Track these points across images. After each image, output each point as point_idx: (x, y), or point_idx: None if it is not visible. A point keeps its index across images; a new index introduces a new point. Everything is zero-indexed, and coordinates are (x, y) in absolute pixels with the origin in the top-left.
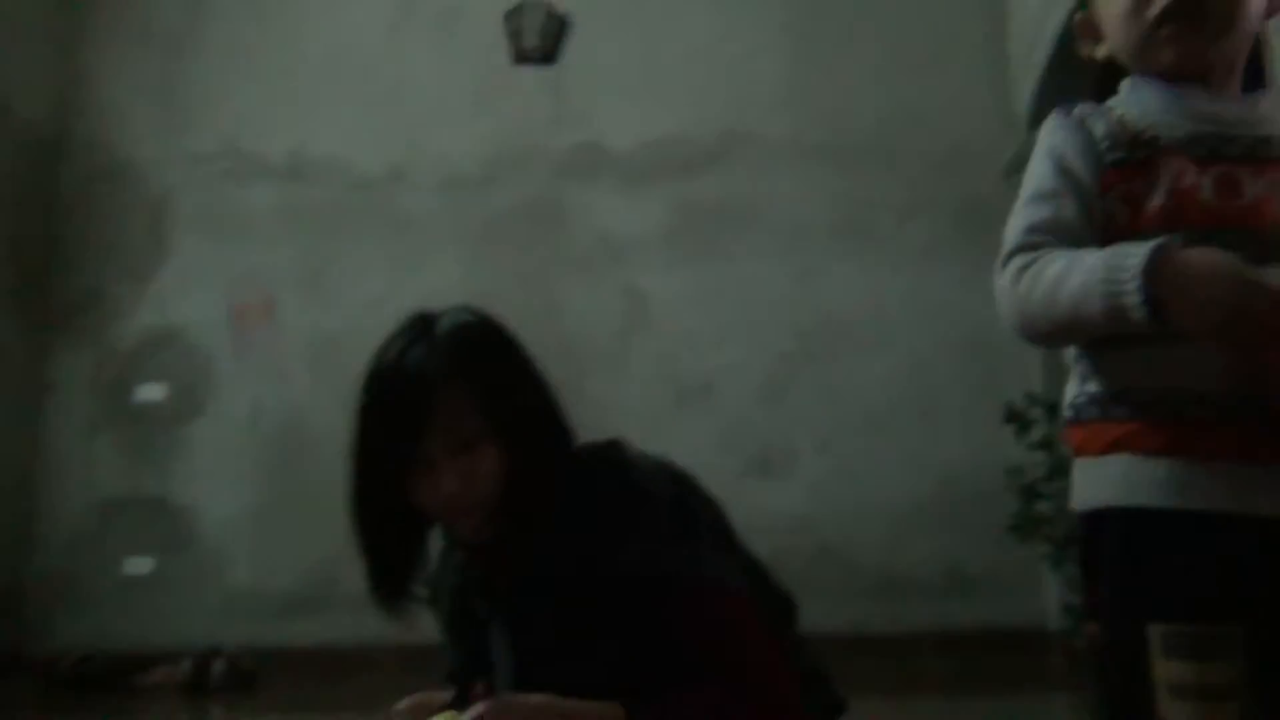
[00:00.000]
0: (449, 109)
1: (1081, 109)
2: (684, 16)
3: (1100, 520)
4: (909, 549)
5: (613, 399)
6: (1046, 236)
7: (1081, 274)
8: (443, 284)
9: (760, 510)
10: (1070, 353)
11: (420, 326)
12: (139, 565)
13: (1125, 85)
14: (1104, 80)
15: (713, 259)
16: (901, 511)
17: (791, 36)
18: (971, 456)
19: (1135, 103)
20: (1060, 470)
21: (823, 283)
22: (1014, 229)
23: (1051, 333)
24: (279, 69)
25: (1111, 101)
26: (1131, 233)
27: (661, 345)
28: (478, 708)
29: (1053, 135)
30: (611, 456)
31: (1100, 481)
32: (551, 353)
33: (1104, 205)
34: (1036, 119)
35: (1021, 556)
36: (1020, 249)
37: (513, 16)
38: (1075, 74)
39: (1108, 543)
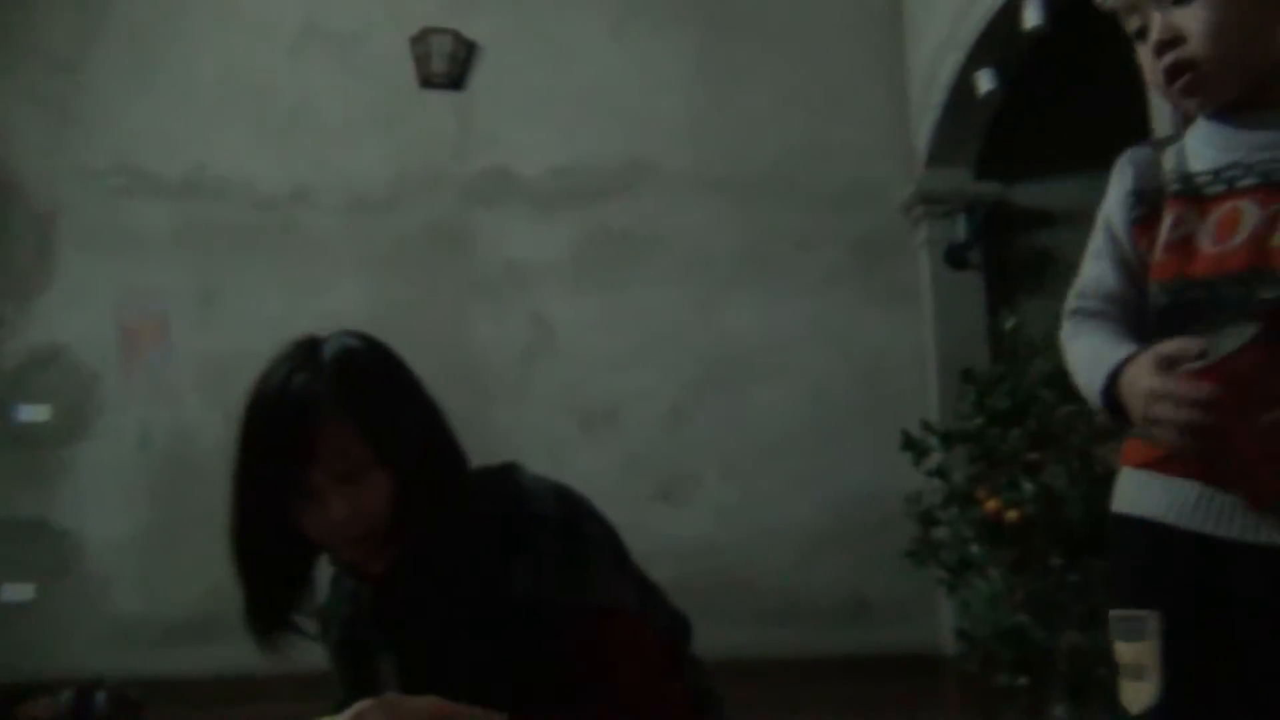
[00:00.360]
0: (353, 131)
1: (1133, 152)
2: (593, 46)
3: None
4: (811, 574)
5: (518, 425)
6: (1089, 301)
7: (1084, 370)
8: (343, 307)
9: (665, 536)
10: None
11: (304, 352)
12: (19, 591)
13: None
14: (997, 123)
15: (618, 287)
16: (803, 537)
17: (698, 70)
18: (871, 483)
19: (1191, 138)
20: (955, 497)
21: (725, 311)
22: (1074, 286)
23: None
24: (177, 87)
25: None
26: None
27: (567, 372)
28: (359, 705)
29: (1110, 184)
30: (503, 480)
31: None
32: (456, 379)
33: (1139, 256)
34: (934, 158)
35: (919, 582)
36: (1070, 314)
37: (419, 41)
38: (971, 115)
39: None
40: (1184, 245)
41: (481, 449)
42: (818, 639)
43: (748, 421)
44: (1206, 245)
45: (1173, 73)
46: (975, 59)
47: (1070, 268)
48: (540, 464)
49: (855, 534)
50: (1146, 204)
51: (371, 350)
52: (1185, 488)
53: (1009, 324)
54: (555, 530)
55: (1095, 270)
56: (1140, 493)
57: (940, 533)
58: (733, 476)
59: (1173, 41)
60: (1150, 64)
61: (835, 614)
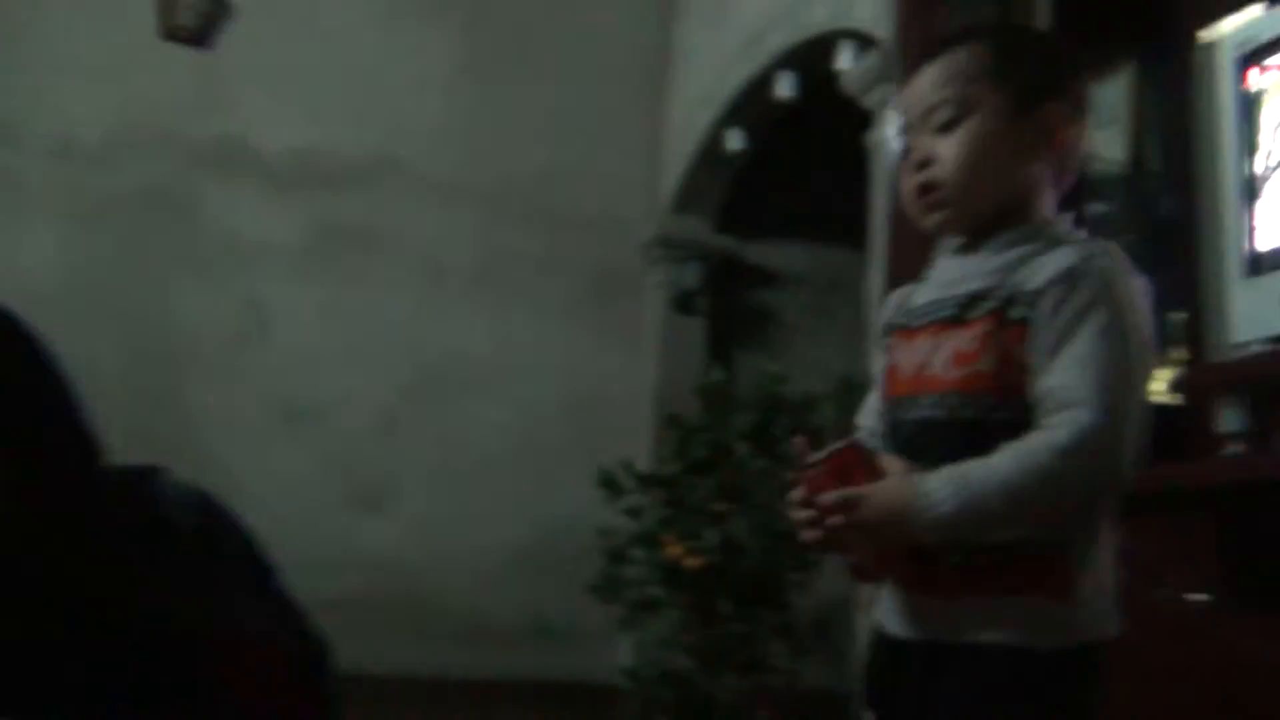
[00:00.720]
0: (78, 70)
1: (897, 290)
2: (358, 28)
3: None
4: (500, 596)
5: (217, 412)
6: (861, 418)
7: None
8: (34, 258)
9: (357, 545)
10: None
11: None
12: None
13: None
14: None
15: (345, 281)
16: (497, 558)
17: (463, 74)
18: (572, 512)
19: (929, 272)
20: (644, 539)
21: (453, 323)
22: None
23: None
24: None
25: None
26: None
27: (276, 361)
28: None
29: None
30: (139, 485)
31: None
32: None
33: None
34: (679, 204)
35: (605, 613)
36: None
37: None
38: (717, 169)
39: None
40: (892, 372)
41: (176, 432)
42: (500, 662)
43: (459, 437)
44: (901, 372)
45: (921, 190)
46: (728, 118)
47: (787, 327)
48: (237, 455)
49: (549, 560)
50: (887, 335)
51: None
52: (887, 593)
53: (716, 376)
54: (188, 544)
55: (871, 393)
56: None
57: (627, 570)
58: (435, 490)
59: (926, 162)
60: (906, 179)
61: (520, 638)
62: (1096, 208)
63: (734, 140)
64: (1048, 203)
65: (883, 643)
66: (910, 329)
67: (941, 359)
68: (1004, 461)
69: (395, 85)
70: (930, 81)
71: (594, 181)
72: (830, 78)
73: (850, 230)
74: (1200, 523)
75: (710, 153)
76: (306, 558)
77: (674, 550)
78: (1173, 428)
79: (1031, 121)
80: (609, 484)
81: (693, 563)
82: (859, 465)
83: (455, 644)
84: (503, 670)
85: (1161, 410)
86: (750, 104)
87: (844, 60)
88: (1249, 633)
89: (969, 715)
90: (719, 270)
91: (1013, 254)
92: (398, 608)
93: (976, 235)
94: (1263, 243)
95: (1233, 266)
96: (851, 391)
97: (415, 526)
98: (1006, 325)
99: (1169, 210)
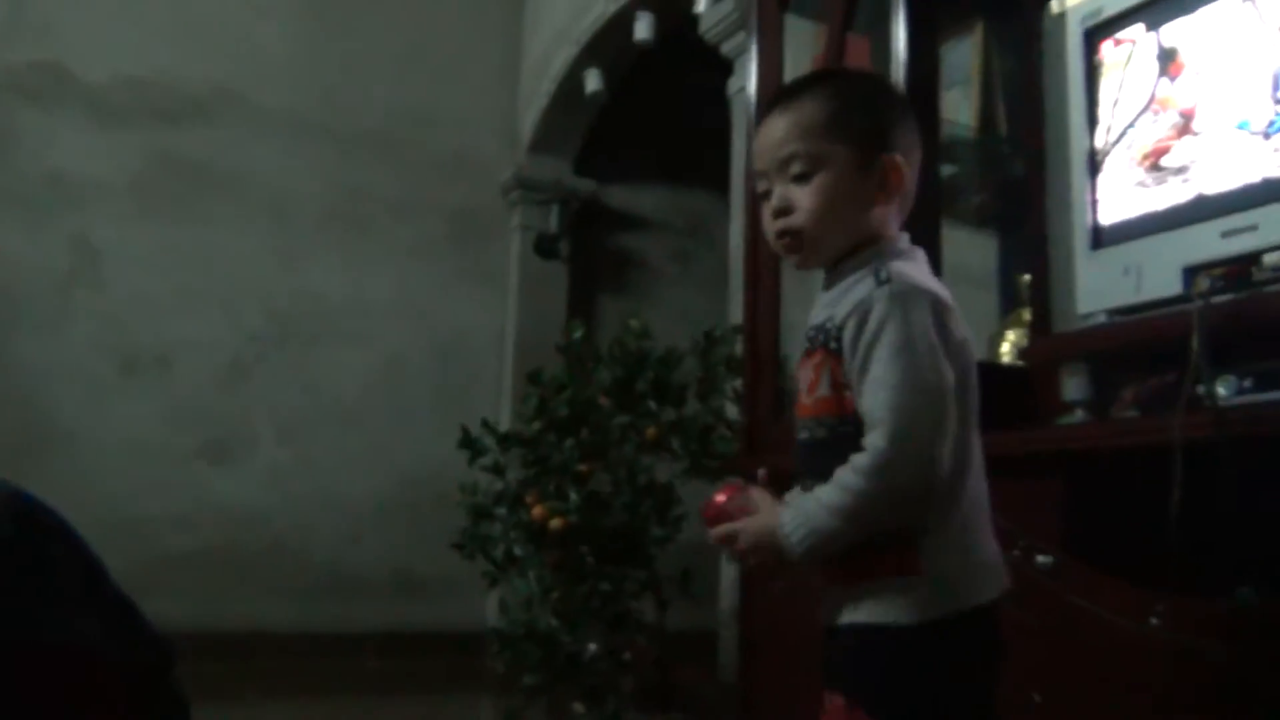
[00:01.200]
0: None
1: None
2: None
3: None
4: (363, 548)
5: (47, 361)
6: None
7: None
8: None
9: (211, 498)
10: None
11: None
12: None
13: None
14: (598, 122)
15: (185, 221)
16: (359, 510)
17: (307, 5)
18: (435, 462)
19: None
20: (509, 495)
21: (306, 266)
22: None
23: None
24: None
25: None
26: None
27: (111, 307)
28: None
29: None
30: None
31: None
32: None
33: None
34: (537, 145)
35: (470, 564)
36: None
37: None
38: (576, 110)
39: None
40: (797, 394)
41: (2, 388)
42: (365, 614)
43: (315, 384)
44: (797, 397)
45: (779, 234)
46: (586, 57)
47: (649, 272)
48: (72, 406)
49: (412, 511)
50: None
51: None
52: None
53: (577, 332)
54: (4, 552)
55: None
56: None
57: (490, 528)
58: (292, 441)
59: (785, 210)
60: (767, 221)
61: (385, 590)
62: (947, 169)
63: (593, 81)
64: (892, 234)
65: (823, 630)
66: (802, 357)
67: (803, 387)
68: (828, 490)
69: (236, 11)
70: (783, 133)
71: (450, 119)
72: (689, 21)
73: (711, 175)
74: (1045, 487)
75: (568, 93)
76: (159, 513)
77: (538, 512)
78: (1022, 391)
79: (874, 171)
80: (469, 444)
81: (556, 524)
82: (736, 503)
83: (319, 597)
84: (368, 623)
85: (1012, 372)
86: (608, 44)
87: (702, 3)
88: (1087, 591)
89: (849, 689)
90: (580, 214)
91: (842, 286)
92: (258, 561)
93: (833, 268)
94: (1105, 216)
95: (1079, 237)
96: (714, 346)
97: (273, 478)
98: (829, 356)
99: (1018, 173)
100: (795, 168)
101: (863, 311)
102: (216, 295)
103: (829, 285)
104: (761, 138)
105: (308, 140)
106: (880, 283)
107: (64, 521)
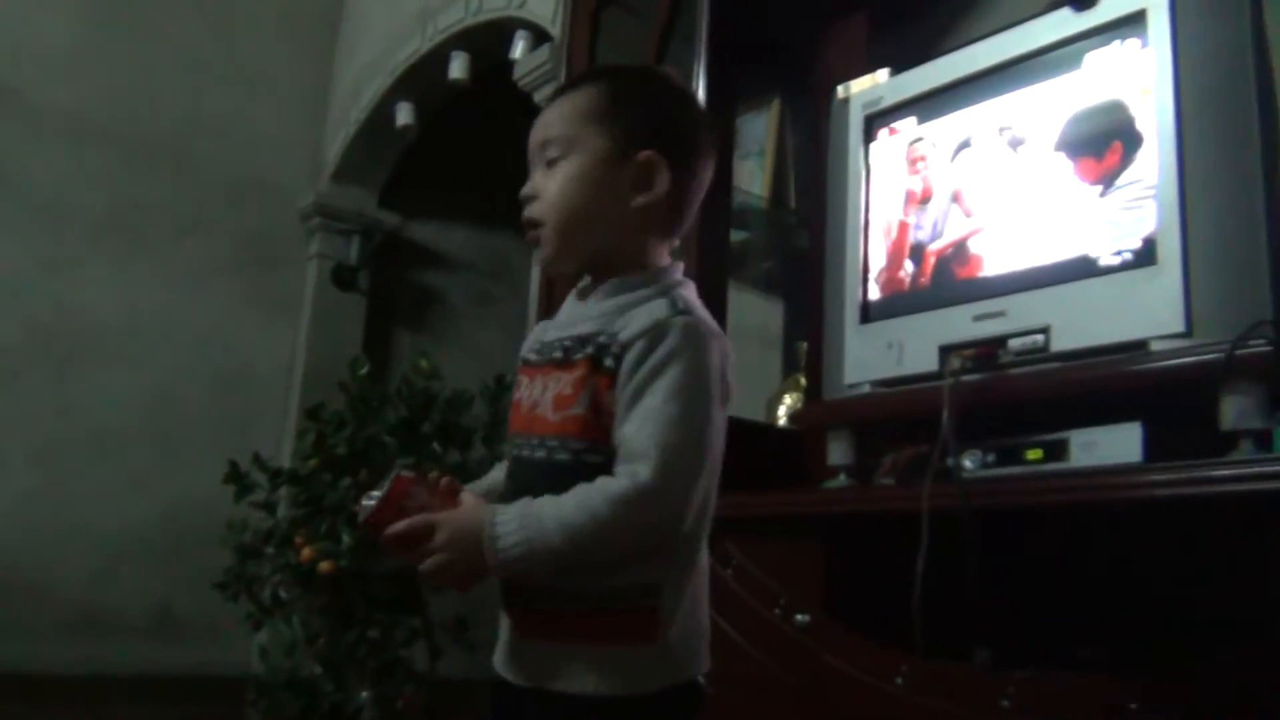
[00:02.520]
0: None
1: (538, 326)
2: None
3: None
4: (119, 584)
5: None
6: None
7: None
8: None
9: None
10: None
11: None
12: None
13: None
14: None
15: None
16: (117, 543)
17: (96, 1)
18: (204, 497)
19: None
20: (278, 535)
21: (74, 278)
22: None
23: None
24: None
25: None
26: None
27: None
28: None
29: None
30: None
31: None
32: None
33: None
34: (341, 173)
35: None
36: None
37: None
38: (385, 142)
39: None
40: (514, 408)
41: None
42: (118, 656)
43: (74, 406)
44: (520, 409)
45: (524, 225)
46: (399, 90)
47: (449, 311)
48: None
49: (176, 546)
50: (520, 369)
51: None
52: (501, 638)
53: (362, 368)
54: None
55: None
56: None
57: (257, 567)
58: (43, 466)
59: (530, 197)
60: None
61: (141, 630)
62: (738, 234)
63: (404, 114)
64: (658, 250)
65: (500, 687)
66: (533, 366)
67: (547, 401)
68: (568, 498)
69: (11, 2)
70: (546, 118)
71: (248, 138)
72: (504, 66)
73: (514, 218)
74: (808, 547)
75: (377, 124)
76: None
77: (307, 553)
78: (793, 454)
79: (629, 166)
80: (236, 479)
81: (326, 567)
82: (411, 495)
83: (65, 636)
84: (121, 665)
85: (785, 435)
86: (422, 80)
87: (518, 50)
88: (840, 650)
89: None
90: (382, 247)
91: (618, 300)
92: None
93: (595, 277)
94: (873, 292)
95: (849, 310)
96: (505, 390)
97: (18, 505)
98: (598, 372)
99: (803, 244)
100: (549, 152)
101: (654, 337)
102: None
103: (588, 295)
104: (534, 126)
105: (87, 144)
106: (677, 311)
107: None
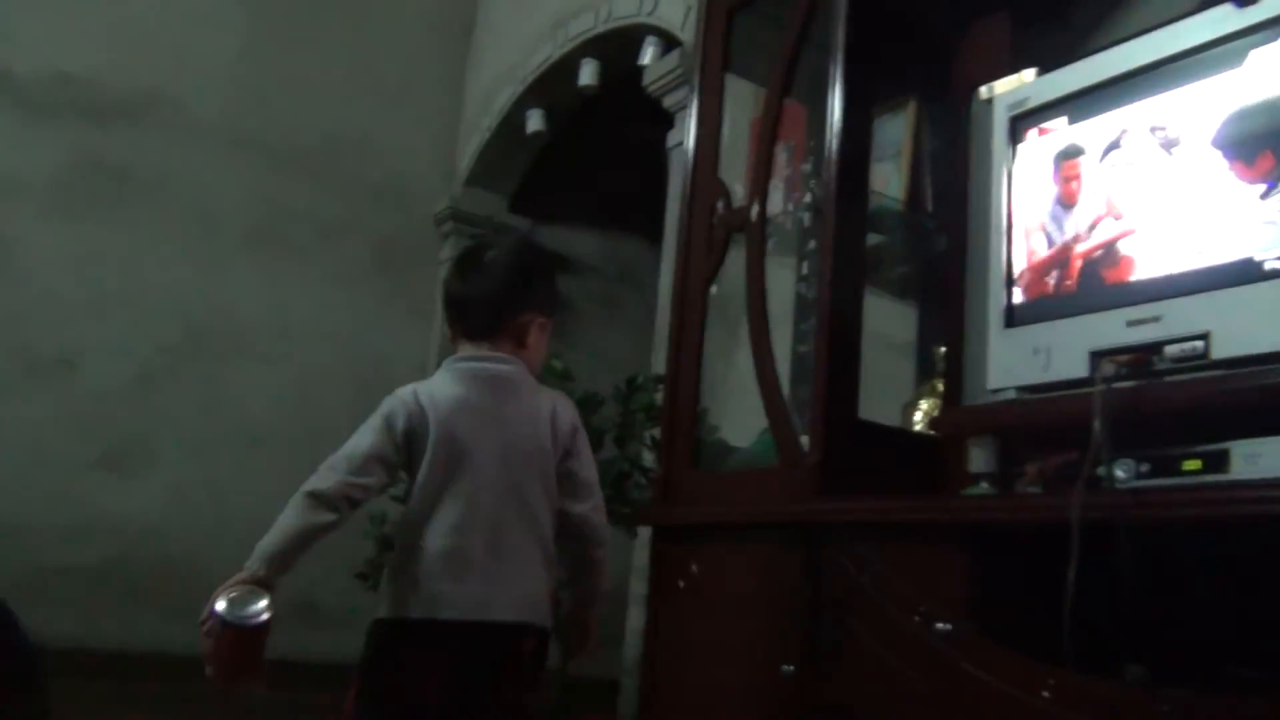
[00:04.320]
0: None
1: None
2: None
3: None
4: None
5: None
6: None
7: None
8: None
9: (105, 511)
10: None
11: None
12: None
13: None
14: (537, 162)
15: (105, 223)
16: (261, 533)
17: (252, 15)
18: None
19: None
20: None
21: (225, 280)
22: None
23: (603, 552)
24: None
25: None
26: None
27: (19, 304)
28: None
29: None
30: None
31: None
32: None
33: None
34: (474, 179)
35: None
36: None
37: None
38: (516, 148)
39: None
40: None
41: None
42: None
43: (225, 401)
44: None
45: None
46: (530, 97)
47: (575, 314)
48: None
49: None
50: None
51: None
52: None
53: None
54: None
55: None
56: None
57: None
58: (195, 457)
59: None
60: None
61: (285, 617)
62: (874, 238)
63: (535, 121)
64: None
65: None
66: None
67: None
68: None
69: (180, 17)
70: None
71: (387, 145)
72: (634, 72)
73: (642, 223)
74: (949, 555)
75: (509, 131)
76: (48, 522)
77: None
78: (932, 460)
79: None
80: None
81: None
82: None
83: None
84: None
85: (923, 441)
86: (553, 86)
87: (648, 56)
88: (982, 661)
89: None
90: None
91: None
92: (149, 580)
93: None
94: (1019, 297)
95: (993, 315)
96: (635, 392)
97: (172, 494)
98: None
99: (940, 248)
100: None
101: None
102: (129, 302)
103: None
104: None
105: (240, 153)
106: None
107: None
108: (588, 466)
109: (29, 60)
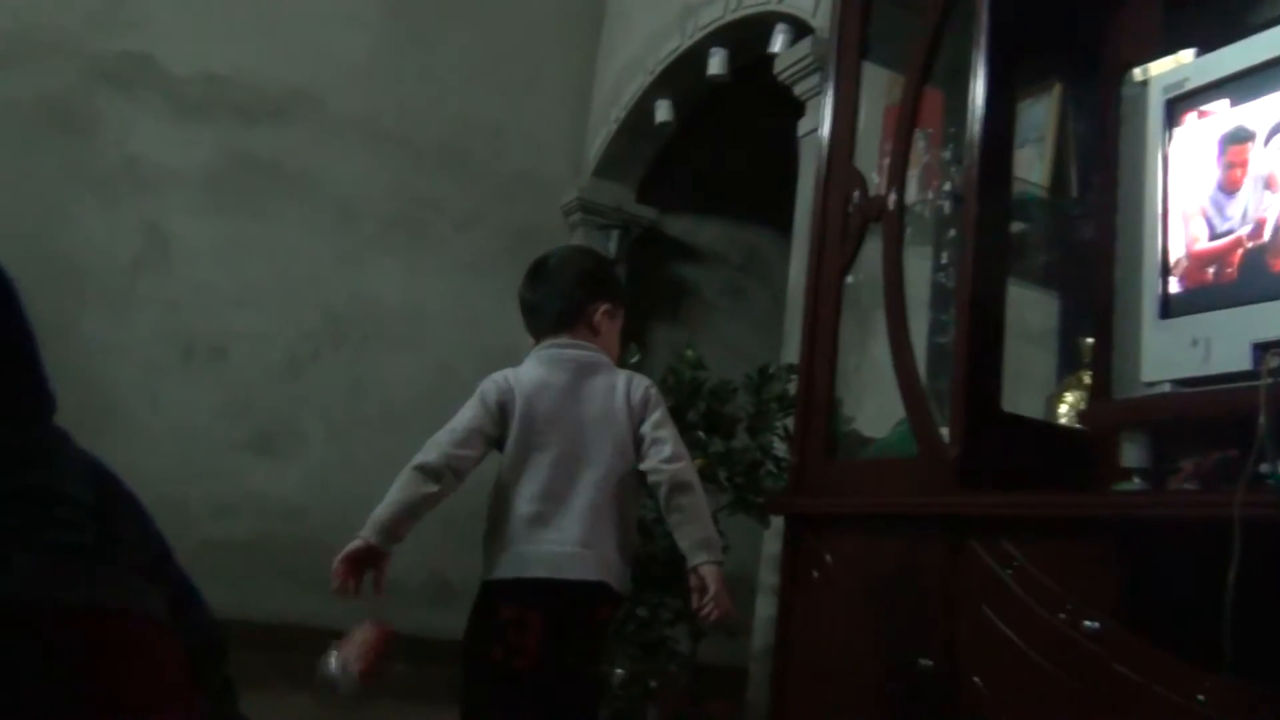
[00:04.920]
0: None
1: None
2: None
3: None
4: (399, 551)
5: (110, 341)
6: None
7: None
8: None
9: (254, 489)
10: None
11: None
12: None
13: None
14: (663, 152)
15: (253, 216)
16: None
17: (387, 14)
18: (478, 472)
19: None
20: None
21: (364, 269)
22: None
23: (696, 509)
24: None
25: None
26: None
27: (175, 295)
28: None
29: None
30: (37, 448)
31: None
32: (46, 278)
33: None
34: (602, 169)
35: None
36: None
37: None
38: (644, 138)
39: None
40: None
41: (67, 363)
42: (395, 617)
43: (366, 385)
44: None
45: None
46: (659, 87)
47: (702, 303)
48: (131, 389)
49: (453, 519)
50: None
51: None
52: None
53: (633, 357)
54: (84, 519)
55: None
56: None
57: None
58: (339, 439)
59: None
60: None
61: (417, 594)
62: (1016, 225)
63: (663, 111)
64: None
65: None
66: None
67: None
68: None
69: (320, 17)
70: None
71: (518, 137)
72: (763, 60)
73: (768, 212)
74: (1099, 551)
75: (637, 121)
76: (202, 499)
77: None
78: (1078, 455)
79: None
80: None
81: None
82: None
83: (351, 596)
84: (398, 626)
85: (1070, 435)
86: (682, 76)
87: (778, 44)
88: (1133, 661)
89: None
90: (638, 240)
91: None
92: (293, 555)
93: None
94: (1175, 286)
95: (1147, 305)
96: (767, 382)
97: (316, 474)
98: None
99: (1087, 235)
100: None
101: None
102: (277, 291)
103: None
104: None
105: (379, 147)
106: None
107: (137, 499)
108: (661, 428)
109: (181, 63)
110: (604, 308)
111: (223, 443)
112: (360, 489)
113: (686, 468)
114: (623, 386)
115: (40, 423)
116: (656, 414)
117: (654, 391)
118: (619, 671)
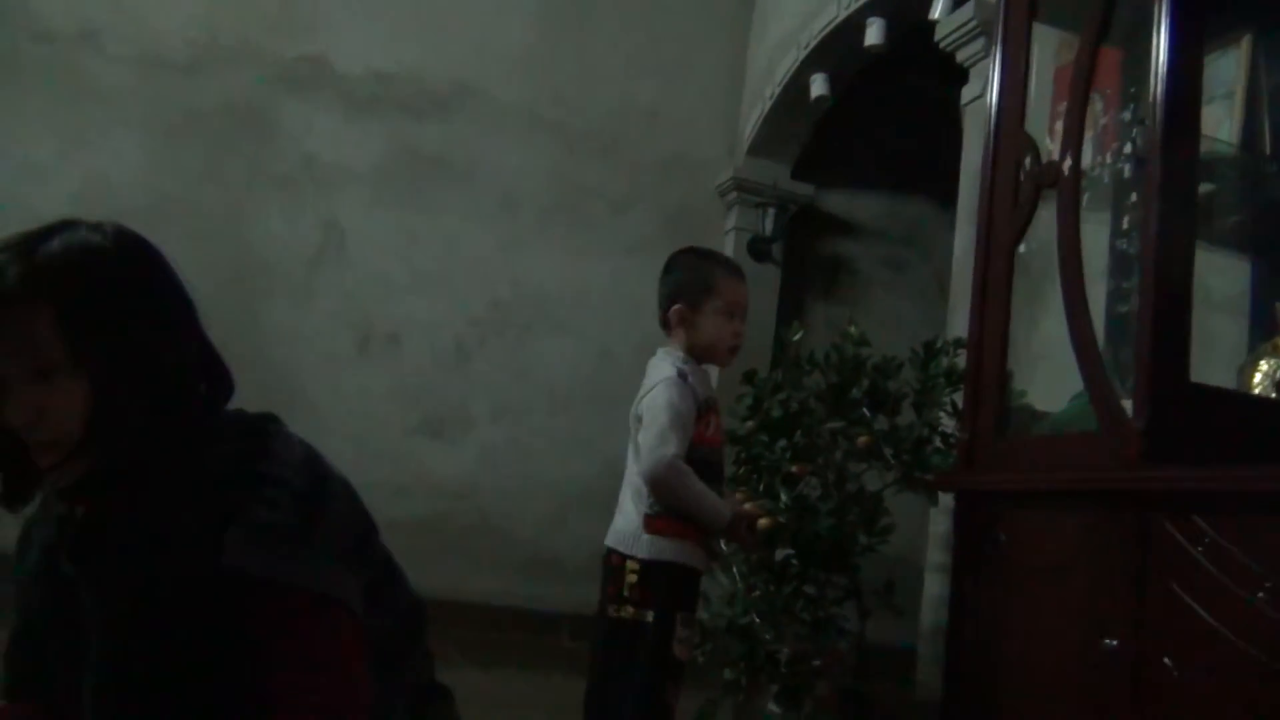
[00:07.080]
0: None
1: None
2: None
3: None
4: (566, 530)
5: (293, 331)
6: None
7: (712, 500)
8: (120, 169)
9: (426, 471)
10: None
11: (28, 239)
12: None
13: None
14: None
15: (421, 208)
16: (564, 493)
17: (544, 6)
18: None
19: (701, 378)
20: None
21: (527, 256)
22: (672, 442)
23: (669, 502)
24: None
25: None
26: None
27: (352, 285)
28: None
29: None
30: (253, 432)
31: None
32: (232, 272)
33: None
34: (757, 148)
35: None
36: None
37: None
38: (799, 114)
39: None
40: (714, 429)
41: (251, 351)
42: (561, 594)
43: (530, 369)
44: (716, 430)
45: (736, 348)
46: (813, 62)
47: (860, 279)
48: (310, 377)
49: (615, 498)
50: (707, 408)
51: (104, 248)
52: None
53: (795, 334)
54: (293, 502)
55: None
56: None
57: None
58: (505, 422)
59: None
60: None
61: (581, 573)
62: (1204, 187)
63: (818, 86)
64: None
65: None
66: (713, 408)
67: (715, 429)
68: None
69: (478, 12)
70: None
71: (672, 119)
72: (923, 27)
73: (928, 184)
74: None
75: (791, 98)
76: (381, 481)
77: (749, 508)
78: (1275, 426)
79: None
80: None
81: (765, 523)
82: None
83: (519, 573)
84: (564, 603)
85: (1268, 405)
86: (837, 49)
87: (938, 10)
88: None
89: None
90: (795, 218)
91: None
92: (464, 534)
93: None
94: None
95: None
96: (933, 357)
97: (485, 457)
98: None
99: None
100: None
101: None
102: (445, 280)
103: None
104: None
105: (538, 136)
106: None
107: (348, 484)
108: (643, 431)
109: (349, 61)
110: (674, 309)
111: (397, 427)
112: (526, 469)
113: (644, 471)
114: (644, 388)
115: (227, 401)
116: (646, 417)
117: (655, 397)
118: (784, 650)
